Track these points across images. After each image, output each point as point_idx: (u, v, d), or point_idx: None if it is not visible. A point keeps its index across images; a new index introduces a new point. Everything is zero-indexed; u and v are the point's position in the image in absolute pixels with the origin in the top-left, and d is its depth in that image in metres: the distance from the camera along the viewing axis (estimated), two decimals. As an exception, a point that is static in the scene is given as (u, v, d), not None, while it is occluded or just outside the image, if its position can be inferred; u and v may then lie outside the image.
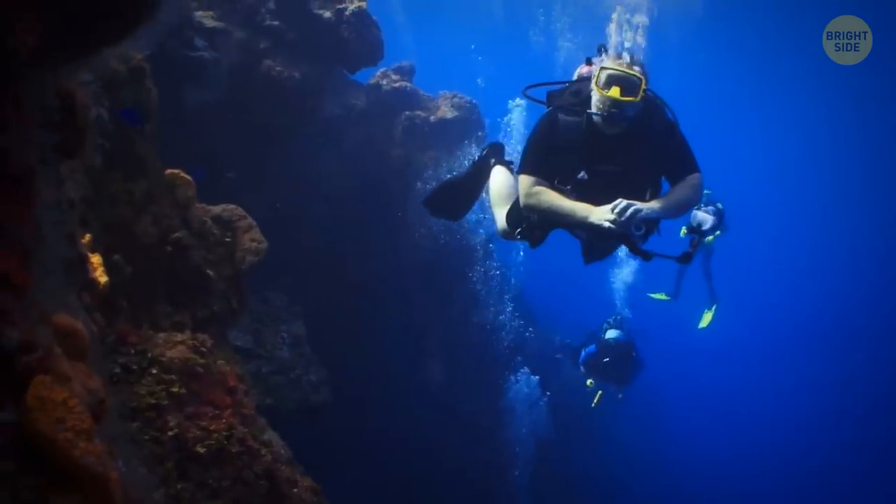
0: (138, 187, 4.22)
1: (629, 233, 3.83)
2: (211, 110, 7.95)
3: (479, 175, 5.40)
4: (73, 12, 1.64)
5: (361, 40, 9.00)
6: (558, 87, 4.44)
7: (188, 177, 4.74)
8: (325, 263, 9.82)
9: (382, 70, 10.76)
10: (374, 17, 9.21)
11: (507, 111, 11.79)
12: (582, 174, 4.12)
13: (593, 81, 3.97)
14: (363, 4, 8.89)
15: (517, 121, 11.68)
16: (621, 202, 3.79)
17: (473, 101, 11.19)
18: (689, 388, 22.29)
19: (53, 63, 1.77)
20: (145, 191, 4.27)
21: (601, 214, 3.84)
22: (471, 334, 11.65)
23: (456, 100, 11.03)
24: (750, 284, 28.07)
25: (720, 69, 23.84)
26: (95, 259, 2.82)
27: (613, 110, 3.90)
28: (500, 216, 4.89)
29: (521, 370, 12.68)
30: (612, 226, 3.77)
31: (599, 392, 9.99)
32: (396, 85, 10.68)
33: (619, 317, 10.15)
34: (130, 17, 1.72)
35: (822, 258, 31.32)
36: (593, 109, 3.98)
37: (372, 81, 10.80)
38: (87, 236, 2.90)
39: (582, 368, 9.89)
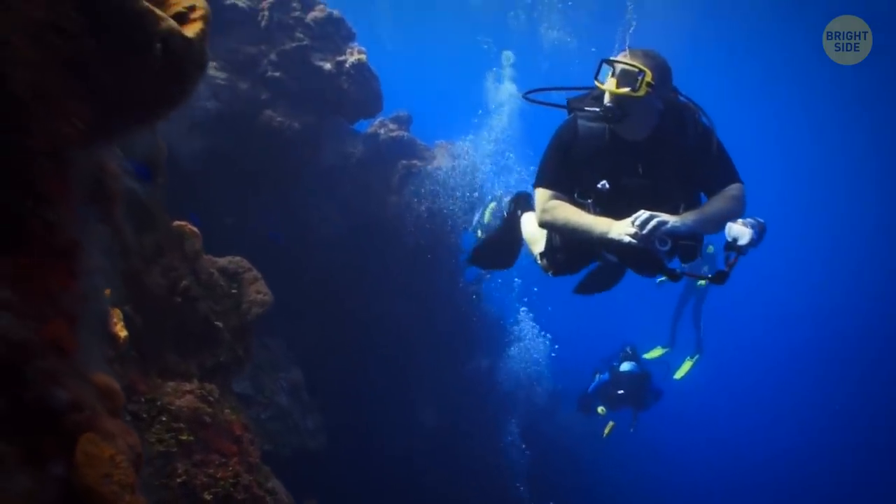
0: (148, 239, 4.37)
1: (653, 248, 3.44)
2: (211, 158, 8.15)
3: (512, 229, 5.04)
4: (118, 102, 1.82)
5: (361, 92, 9.24)
6: (577, 93, 3.99)
7: (195, 229, 4.90)
8: (322, 309, 9.93)
9: (380, 119, 10.92)
10: (374, 70, 9.45)
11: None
12: (604, 185, 3.75)
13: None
14: (363, 57, 9.13)
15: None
16: (643, 213, 3.44)
17: (469, 151, 11.38)
18: (682, 427, 22.20)
19: (96, 143, 1.94)
20: (155, 243, 4.43)
21: (621, 228, 3.50)
22: (466, 379, 11.74)
23: (452, 149, 11.23)
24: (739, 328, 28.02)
25: (716, 67, 23.86)
26: (115, 313, 2.96)
27: (609, 105, 3.55)
28: (538, 257, 4.50)
29: (523, 313, 12.72)
30: (632, 240, 3.43)
31: (611, 423, 9.93)
32: (394, 134, 10.84)
33: (633, 347, 10.10)
34: (167, 104, 1.90)
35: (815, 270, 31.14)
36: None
37: (370, 130, 10.94)
38: (107, 291, 3.04)
39: (594, 395, 9.90)
